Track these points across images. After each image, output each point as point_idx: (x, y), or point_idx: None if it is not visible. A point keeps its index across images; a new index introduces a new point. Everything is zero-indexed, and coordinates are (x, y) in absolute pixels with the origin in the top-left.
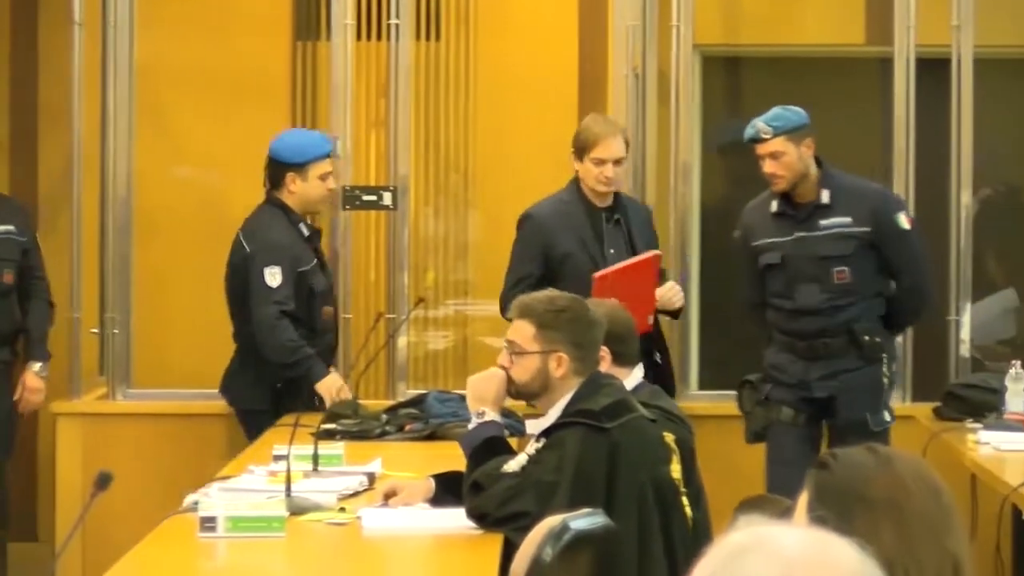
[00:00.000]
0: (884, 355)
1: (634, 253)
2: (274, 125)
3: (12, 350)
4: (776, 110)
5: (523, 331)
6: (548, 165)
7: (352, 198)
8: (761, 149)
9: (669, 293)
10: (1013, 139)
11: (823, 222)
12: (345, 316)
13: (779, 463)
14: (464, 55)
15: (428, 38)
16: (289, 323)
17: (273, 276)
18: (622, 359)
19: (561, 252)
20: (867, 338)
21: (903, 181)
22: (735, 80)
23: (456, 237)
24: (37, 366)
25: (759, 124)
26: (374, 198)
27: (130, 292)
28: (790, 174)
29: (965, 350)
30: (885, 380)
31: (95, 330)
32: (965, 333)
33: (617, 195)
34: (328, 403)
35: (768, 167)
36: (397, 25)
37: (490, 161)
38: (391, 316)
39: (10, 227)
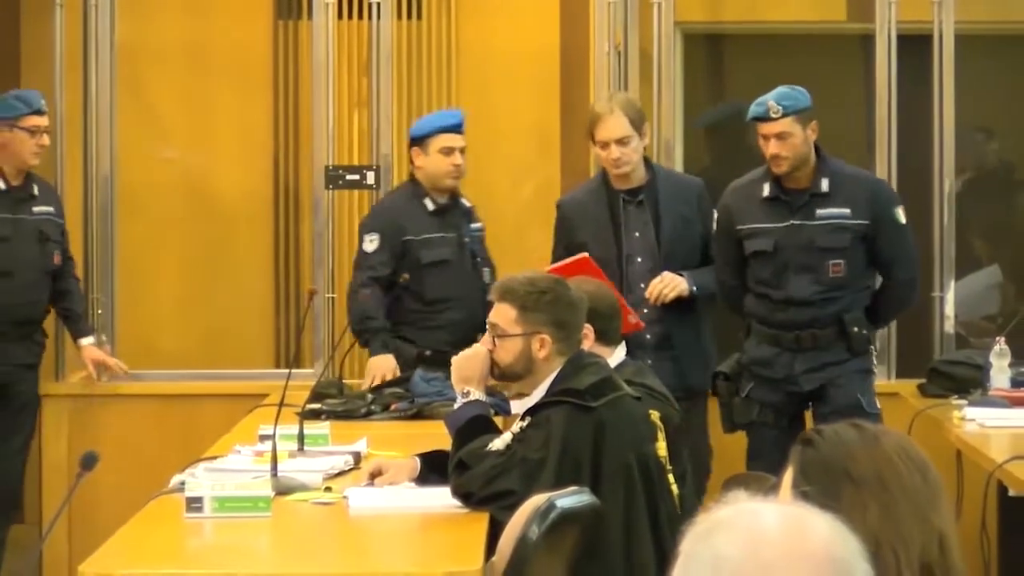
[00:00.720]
0: (871, 347)
1: (658, 235)
2: (256, 104)
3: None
4: (783, 89)
5: (505, 314)
6: (531, 143)
7: (335, 177)
8: (766, 128)
9: (659, 286)
10: (994, 115)
11: (821, 211)
12: (329, 295)
13: (760, 460)
14: (446, 34)
15: (410, 17)
16: (372, 292)
17: (371, 242)
18: (606, 337)
19: (578, 242)
20: (856, 330)
21: (885, 158)
22: (716, 57)
23: None
24: (90, 339)
25: (769, 102)
26: (357, 177)
27: (114, 273)
28: (793, 157)
29: (950, 327)
30: (874, 371)
31: None
32: (949, 309)
33: (653, 173)
34: (368, 382)
35: (772, 147)
36: (379, 4)
37: (472, 139)
38: None
39: (50, 208)
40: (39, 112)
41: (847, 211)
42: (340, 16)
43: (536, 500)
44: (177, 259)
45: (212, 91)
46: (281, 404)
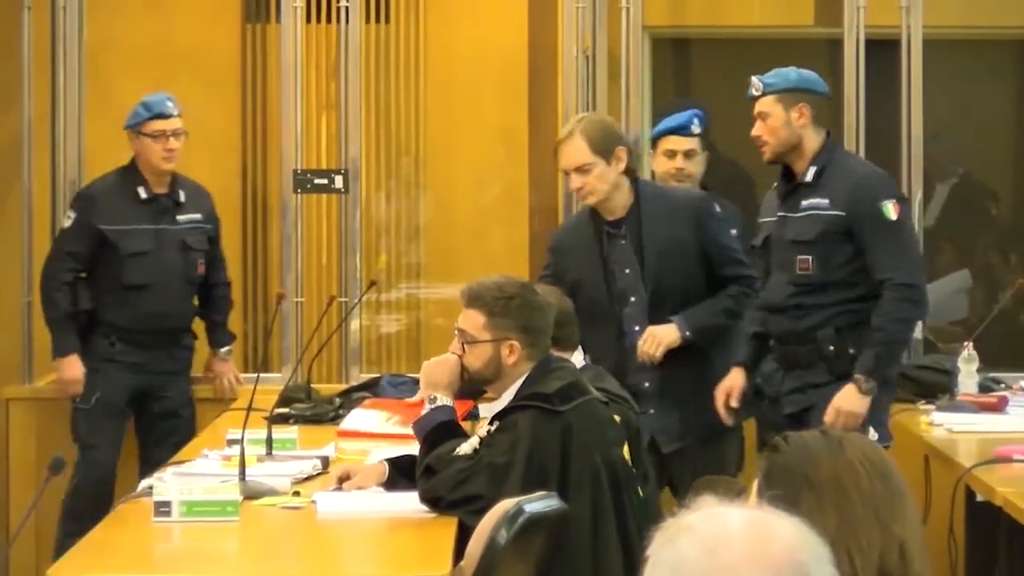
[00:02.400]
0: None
1: (642, 271)
2: (224, 108)
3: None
4: (784, 69)
5: (473, 320)
6: (499, 147)
7: (303, 181)
8: (755, 108)
9: (643, 347)
10: (962, 120)
11: (804, 202)
12: (297, 300)
13: None
14: (414, 37)
15: (378, 20)
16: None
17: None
18: (562, 344)
19: (569, 280)
20: (831, 348)
21: None
22: (684, 61)
23: (408, 220)
24: (225, 349)
25: (753, 79)
26: (325, 181)
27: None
28: (774, 140)
29: (918, 332)
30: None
31: None
32: None
33: (638, 197)
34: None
35: (754, 129)
36: (347, 8)
37: (441, 144)
38: (343, 299)
39: (197, 216)
40: (161, 116)
41: (825, 201)
42: (308, 20)
43: (504, 504)
44: None
45: (180, 94)
46: (249, 408)
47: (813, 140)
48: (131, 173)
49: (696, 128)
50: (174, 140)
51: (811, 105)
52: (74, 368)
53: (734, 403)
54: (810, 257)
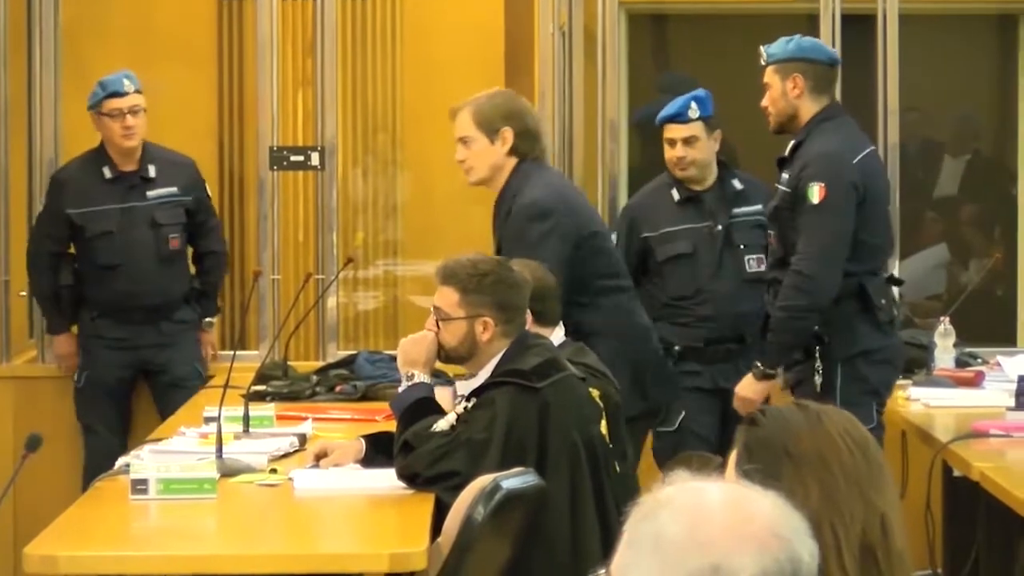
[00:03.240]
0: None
1: None
2: (200, 85)
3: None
4: (786, 37)
5: (447, 297)
6: None
7: (279, 158)
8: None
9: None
10: (938, 95)
11: (781, 176)
12: (274, 277)
13: None
14: (390, 14)
15: None
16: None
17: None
18: (543, 318)
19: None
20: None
21: None
22: (661, 38)
23: (385, 197)
24: (209, 321)
25: (760, 49)
26: (301, 158)
27: None
28: (773, 110)
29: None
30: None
31: (24, 293)
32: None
33: (507, 186)
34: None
35: (763, 100)
36: None
37: (417, 121)
38: (320, 277)
39: (171, 189)
40: (116, 94)
41: (786, 176)
42: None
43: (481, 481)
44: None
45: (156, 73)
46: (226, 386)
47: (810, 110)
48: (98, 154)
49: (694, 113)
50: (131, 117)
51: (807, 75)
52: (63, 345)
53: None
54: (773, 232)
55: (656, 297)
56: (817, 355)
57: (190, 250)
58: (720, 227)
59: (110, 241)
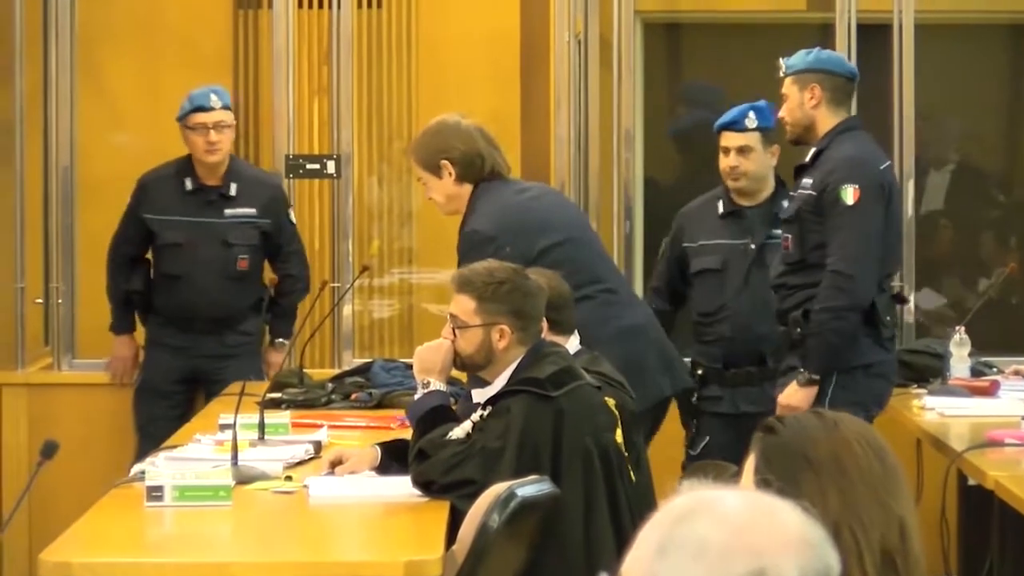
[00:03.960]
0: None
1: None
2: None
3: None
4: (805, 50)
5: (464, 305)
6: (491, 132)
7: (295, 167)
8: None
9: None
10: (954, 105)
11: (800, 182)
12: None
13: None
14: (406, 22)
15: (370, 5)
16: None
17: None
18: (559, 327)
19: None
20: (799, 331)
21: None
22: (676, 47)
23: (400, 205)
24: (281, 341)
25: (779, 60)
26: (317, 166)
27: (74, 261)
28: (790, 120)
29: (910, 316)
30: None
31: (39, 300)
32: (910, 299)
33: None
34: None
35: (780, 111)
36: None
37: None
38: (336, 285)
39: (250, 210)
40: (202, 108)
41: (809, 181)
42: (300, 5)
43: (496, 489)
44: None
45: (172, 80)
46: (242, 393)
47: (827, 122)
48: (184, 163)
49: (751, 123)
50: (215, 133)
51: (825, 86)
52: (123, 347)
53: None
54: (790, 236)
55: (691, 311)
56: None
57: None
58: (754, 246)
59: (178, 252)
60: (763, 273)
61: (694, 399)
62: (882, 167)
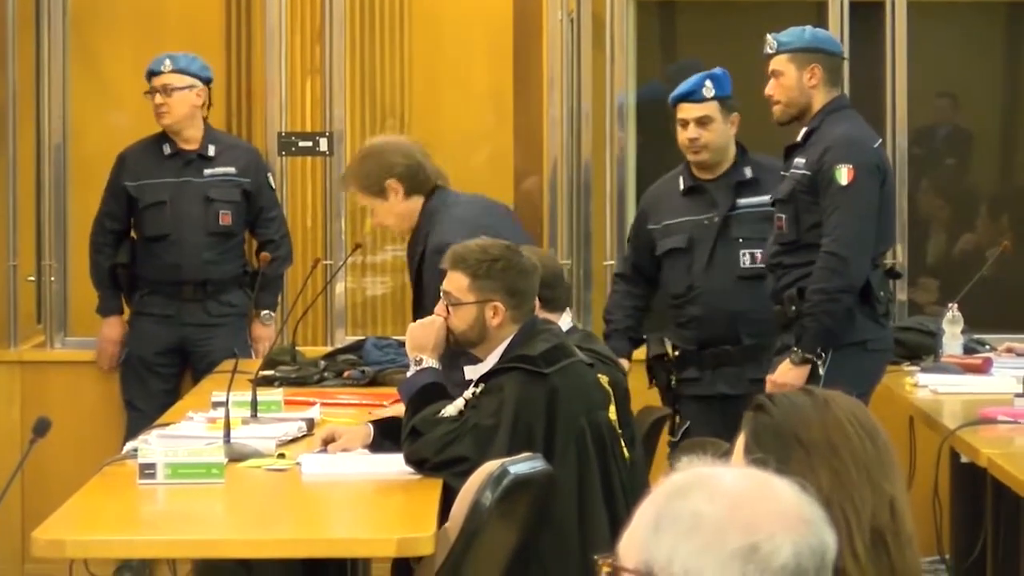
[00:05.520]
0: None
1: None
2: None
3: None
4: (798, 27)
5: (457, 282)
6: (484, 111)
7: (288, 144)
8: (768, 66)
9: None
10: (948, 84)
11: (793, 161)
12: None
13: None
14: (399, 0)
15: None
16: None
17: None
18: (551, 305)
19: None
20: (794, 309)
21: None
22: (669, 25)
23: None
24: (266, 313)
25: (768, 37)
26: (310, 144)
27: (67, 240)
28: (785, 99)
29: (902, 293)
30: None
31: (32, 278)
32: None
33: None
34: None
35: (767, 88)
36: None
37: (426, 107)
38: (328, 262)
39: (229, 169)
40: (152, 72)
41: (802, 161)
42: None
43: (489, 466)
44: None
45: None
46: (234, 371)
47: (820, 102)
48: (162, 133)
49: (709, 92)
50: (160, 96)
51: (824, 66)
52: (111, 328)
53: None
54: (784, 216)
55: (663, 297)
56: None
57: (251, 240)
58: (717, 218)
59: (161, 211)
60: (730, 247)
61: (672, 383)
62: (875, 146)
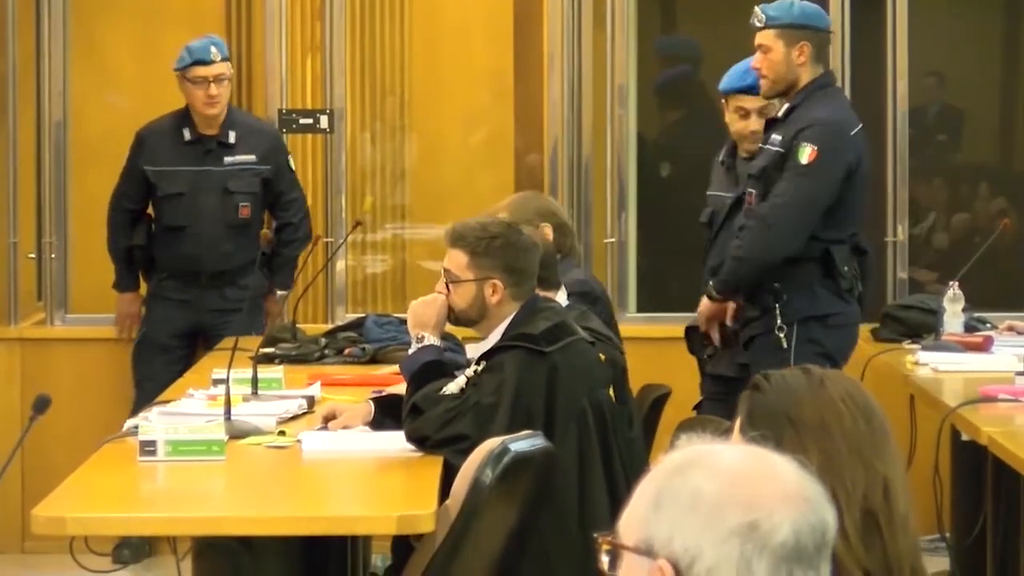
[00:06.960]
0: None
1: None
2: None
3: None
4: (786, 1)
5: (457, 259)
6: (484, 89)
7: (288, 121)
8: (755, 39)
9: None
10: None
11: (770, 137)
12: None
13: None
14: None
15: None
16: None
17: None
18: (545, 283)
19: None
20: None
21: None
22: (670, 4)
23: (393, 161)
24: (282, 294)
25: (756, 9)
26: (310, 121)
27: (67, 217)
28: (772, 75)
29: (903, 271)
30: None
31: (32, 255)
32: (903, 254)
33: None
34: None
35: (753, 61)
36: None
37: (426, 85)
38: (329, 240)
39: (249, 157)
40: (201, 62)
41: (779, 138)
42: None
43: (490, 444)
44: None
45: (165, 37)
46: (235, 348)
47: (807, 78)
48: (182, 114)
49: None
50: (215, 86)
51: (812, 43)
52: (127, 303)
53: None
54: (754, 192)
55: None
56: (778, 313)
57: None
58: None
59: (179, 202)
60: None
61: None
62: (852, 132)
